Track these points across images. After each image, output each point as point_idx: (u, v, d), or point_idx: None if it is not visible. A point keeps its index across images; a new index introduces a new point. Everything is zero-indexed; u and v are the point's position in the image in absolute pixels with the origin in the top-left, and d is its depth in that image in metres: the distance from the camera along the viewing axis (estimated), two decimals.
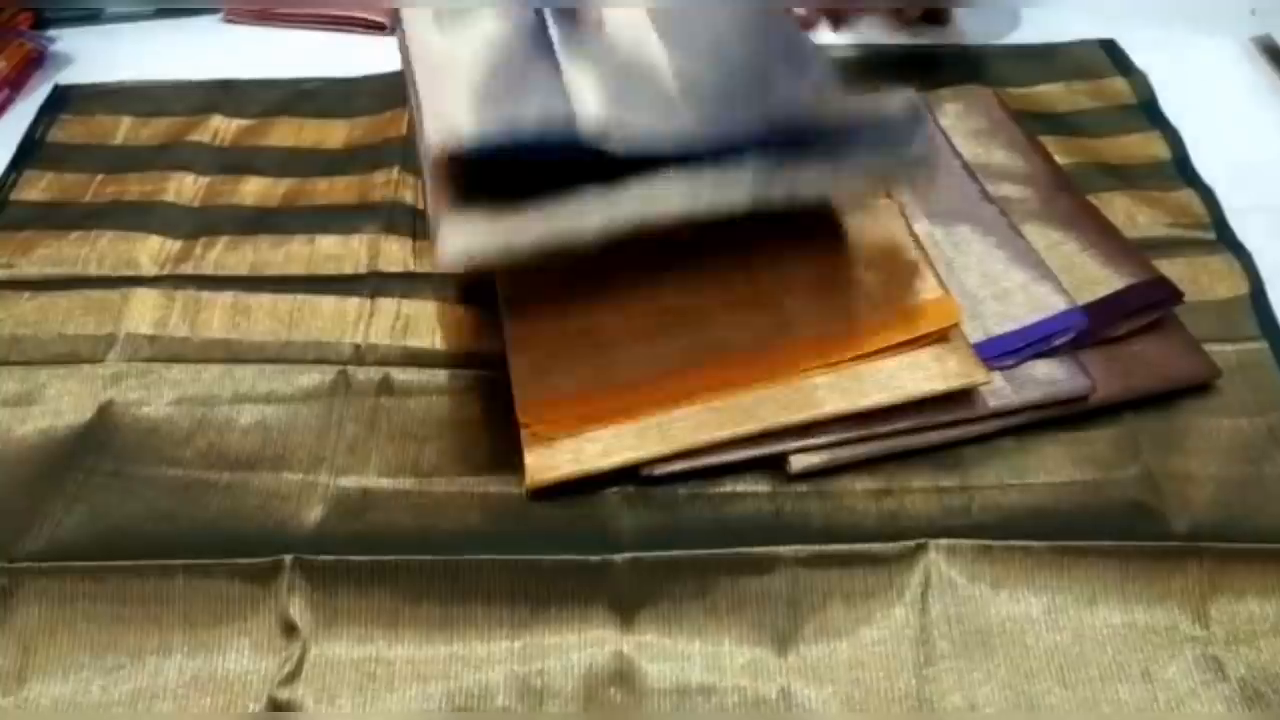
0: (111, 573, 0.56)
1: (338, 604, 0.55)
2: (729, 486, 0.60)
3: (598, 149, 0.54)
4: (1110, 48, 0.92)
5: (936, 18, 0.96)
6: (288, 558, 0.56)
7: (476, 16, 0.61)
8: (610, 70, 0.58)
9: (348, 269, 0.73)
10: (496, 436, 0.62)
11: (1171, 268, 0.68)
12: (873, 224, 0.67)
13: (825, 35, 0.90)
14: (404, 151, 0.80)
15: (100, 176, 0.81)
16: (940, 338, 0.61)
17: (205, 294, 0.70)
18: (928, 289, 0.63)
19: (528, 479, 0.59)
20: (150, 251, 0.74)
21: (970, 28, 0.95)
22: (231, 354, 0.67)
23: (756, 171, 0.55)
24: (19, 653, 0.54)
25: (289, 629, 0.55)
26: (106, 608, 0.55)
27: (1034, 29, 0.95)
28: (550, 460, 0.59)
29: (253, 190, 0.80)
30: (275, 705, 0.53)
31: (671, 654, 0.54)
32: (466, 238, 0.53)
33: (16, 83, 0.90)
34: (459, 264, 0.55)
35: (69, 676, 0.54)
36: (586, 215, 0.53)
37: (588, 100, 0.56)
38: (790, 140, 0.56)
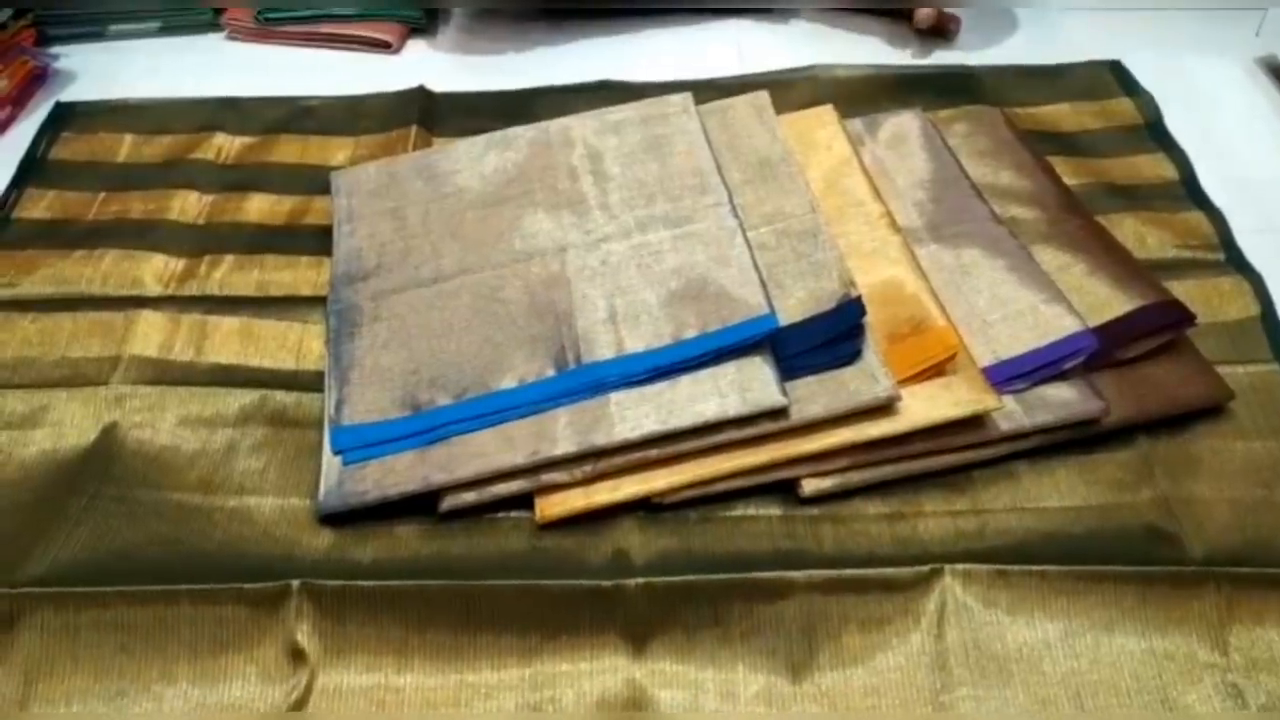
0: (115, 598, 0.55)
1: (346, 630, 0.55)
2: (740, 510, 0.60)
3: None
4: (1117, 69, 0.92)
5: (942, 32, 0.96)
6: (295, 583, 0.55)
7: None
8: None
9: None
10: None
11: (1181, 289, 0.68)
12: (874, 261, 0.67)
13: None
14: None
15: (103, 194, 0.80)
16: (946, 368, 0.61)
17: (212, 318, 0.70)
18: (927, 321, 0.63)
19: (538, 514, 0.58)
20: (154, 270, 0.73)
21: (972, 41, 0.96)
22: (237, 377, 0.66)
23: None
24: (21, 680, 0.53)
25: (296, 656, 0.54)
26: (110, 634, 0.54)
27: (1040, 50, 0.95)
28: (560, 494, 0.59)
29: (257, 208, 0.79)
30: None
31: (684, 681, 0.54)
32: None
33: (19, 100, 0.89)
34: None
35: (72, 704, 0.53)
36: None
37: None
38: None
